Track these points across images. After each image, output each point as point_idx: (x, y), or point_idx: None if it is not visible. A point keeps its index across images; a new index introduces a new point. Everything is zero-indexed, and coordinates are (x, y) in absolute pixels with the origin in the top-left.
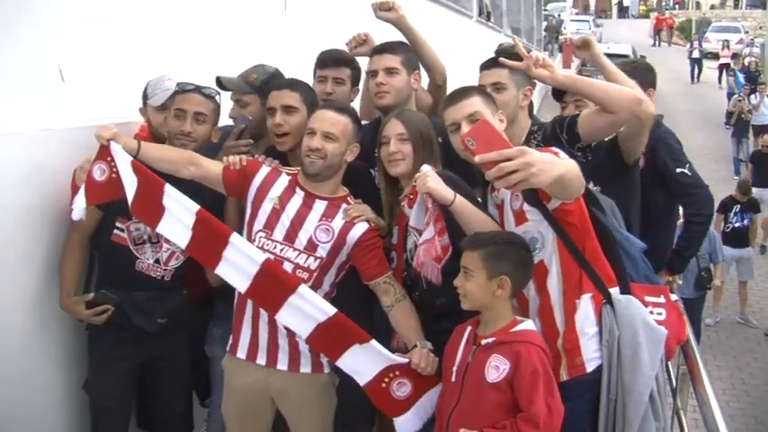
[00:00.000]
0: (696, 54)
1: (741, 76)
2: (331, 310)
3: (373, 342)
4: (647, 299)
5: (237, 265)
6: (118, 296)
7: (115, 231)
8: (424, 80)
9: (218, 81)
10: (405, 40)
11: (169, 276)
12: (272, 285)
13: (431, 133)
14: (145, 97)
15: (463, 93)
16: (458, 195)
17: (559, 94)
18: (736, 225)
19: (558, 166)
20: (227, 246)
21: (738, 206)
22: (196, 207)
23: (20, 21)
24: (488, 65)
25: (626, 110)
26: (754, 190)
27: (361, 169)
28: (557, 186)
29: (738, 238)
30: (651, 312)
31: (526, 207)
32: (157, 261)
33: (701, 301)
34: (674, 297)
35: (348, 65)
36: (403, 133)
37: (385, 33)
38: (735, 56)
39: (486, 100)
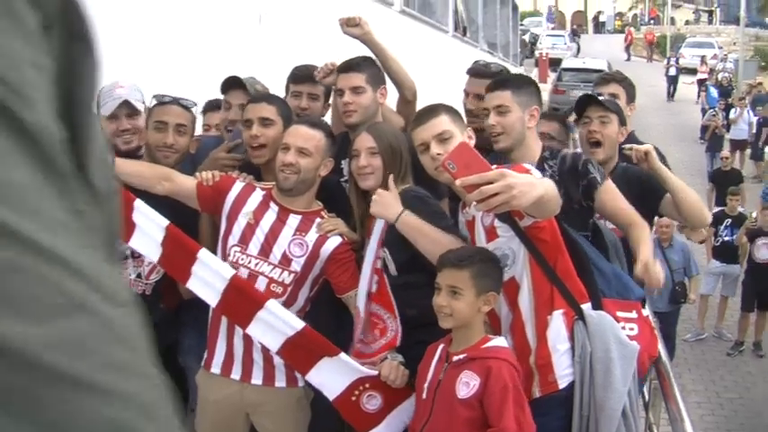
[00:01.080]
0: (673, 71)
1: (714, 91)
2: (299, 324)
3: (342, 355)
4: (620, 314)
5: (206, 280)
6: None
7: (128, 247)
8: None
9: (239, 82)
10: (368, 56)
11: (150, 290)
12: (241, 300)
13: (401, 146)
14: (97, 106)
15: (431, 111)
16: (403, 216)
17: (580, 108)
18: (726, 239)
19: (537, 187)
20: (196, 261)
21: (729, 220)
22: (165, 222)
23: None
24: (491, 87)
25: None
26: (716, 209)
27: (333, 183)
28: (535, 207)
29: (727, 252)
30: (623, 328)
31: (497, 223)
32: (139, 276)
33: (676, 314)
34: (646, 312)
35: None
36: (373, 147)
37: (356, 47)
38: (710, 71)
39: (453, 117)
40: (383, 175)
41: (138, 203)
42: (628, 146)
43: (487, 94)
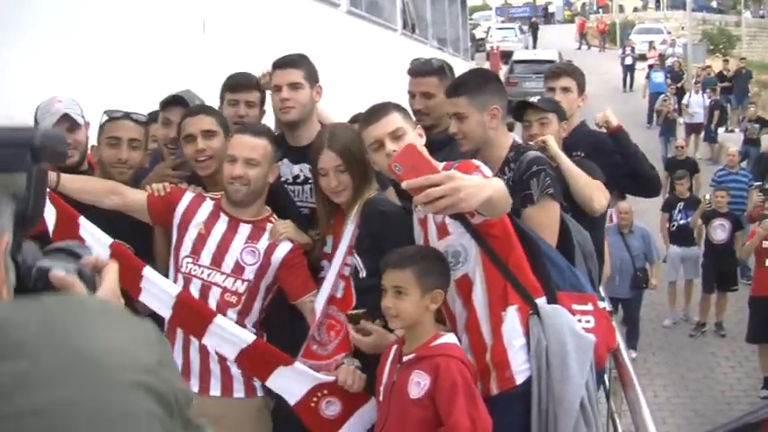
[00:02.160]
0: (629, 60)
1: (659, 76)
2: (250, 337)
3: (297, 364)
4: (575, 307)
5: (156, 295)
6: None
7: None
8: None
9: (180, 100)
10: (304, 53)
11: None
12: (192, 315)
13: (361, 149)
14: (35, 121)
15: (382, 110)
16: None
17: (519, 112)
18: (681, 222)
19: (485, 188)
20: (142, 279)
21: (682, 203)
22: (109, 240)
23: None
24: (448, 92)
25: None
26: (667, 195)
27: (278, 187)
28: (484, 208)
29: (684, 235)
30: (579, 321)
31: (448, 220)
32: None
33: (639, 300)
34: (602, 304)
35: (258, 87)
36: (340, 165)
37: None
38: (659, 56)
39: (404, 115)
40: (353, 187)
41: (83, 221)
42: (539, 138)
43: (446, 98)
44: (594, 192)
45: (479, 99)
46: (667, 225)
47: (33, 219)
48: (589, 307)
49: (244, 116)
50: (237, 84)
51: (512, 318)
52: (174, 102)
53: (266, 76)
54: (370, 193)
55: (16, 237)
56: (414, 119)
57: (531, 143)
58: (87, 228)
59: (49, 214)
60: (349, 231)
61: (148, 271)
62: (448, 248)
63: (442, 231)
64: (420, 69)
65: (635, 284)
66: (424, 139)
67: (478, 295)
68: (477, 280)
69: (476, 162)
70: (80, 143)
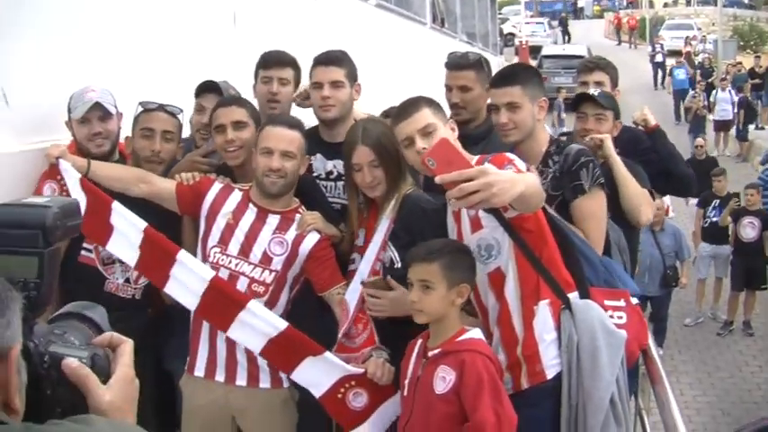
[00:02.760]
0: (659, 58)
1: (680, 73)
2: (282, 324)
3: (327, 354)
4: (607, 303)
5: (185, 283)
6: None
7: (82, 252)
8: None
9: (215, 86)
10: (346, 51)
11: (139, 295)
12: (222, 302)
13: (395, 143)
14: (69, 110)
15: (413, 105)
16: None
17: (576, 103)
18: (715, 220)
19: (518, 183)
20: (175, 264)
21: (717, 201)
22: (143, 225)
23: None
24: (498, 82)
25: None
26: (691, 201)
27: (308, 180)
28: (517, 203)
29: (716, 233)
30: (611, 316)
31: (482, 214)
32: (128, 280)
33: (667, 298)
34: (634, 301)
35: (291, 65)
36: (374, 159)
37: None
38: (687, 52)
39: (435, 110)
40: (387, 181)
41: (116, 205)
42: (589, 136)
43: (494, 89)
44: (643, 203)
45: (531, 89)
46: (701, 221)
47: (45, 303)
48: (621, 303)
49: (276, 93)
50: (271, 60)
51: (543, 312)
52: (208, 88)
53: (300, 96)
54: (407, 189)
55: (27, 321)
56: (448, 113)
57: (585, 138)
58: (120, 212)
59: (79, 201)
60: (384, 226)
61: (184, 255)
62: (481, 242)
63: (476, 225)
64: (458, 63)
65: (664, 283)
66: (456, 133)
67: (511, 289)
68: (509, 273)
69: (509, 155)
70: (111, 133)
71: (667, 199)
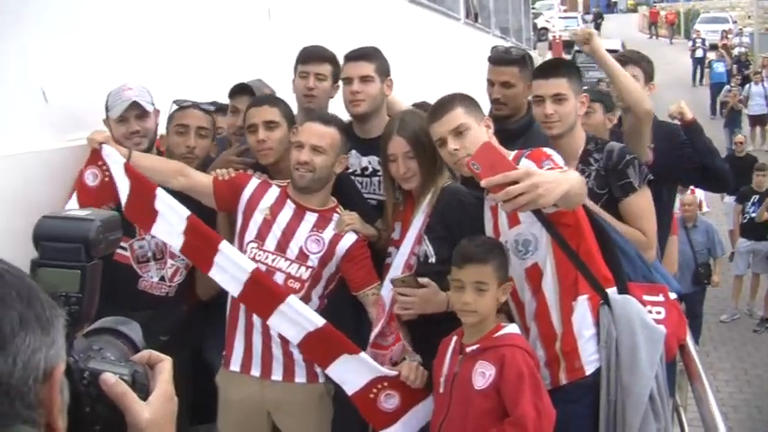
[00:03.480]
0: (699, 53)
1: (719, 65)
2: (320, 321)
3: (363, 354)
4: (646, 298)
5: (228, 270)
6: (117, 314)
7: (117, 250)
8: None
9: (247, 88)
10: (376, 46)
11: (173, 292)
12: (262, 294)
13: (430, 136)
14: (106, 108)
15: (445, 105)
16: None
17: None
18: (754, 215)
19: (563, 183)
20: (218, 253)
21: (757, 196)
22: (187, 212)
23: (4, 45)
24: (545, 74)
25: (639, 104)
26: (726, 198)
27: (345, 178)
28: (562, 202)
29: (755, 229)
30: (650, 311)
31: None
32: (162, 278)
33: (701, 295)
34: (673, 296)
35: (329, 61)
36: (409, 151)
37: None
38: (725, 45)
39: (468, 109)
40: (422, 174)
41: (160, 191)
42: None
43: (540, 80)
44: (643, 94)
45: (575, 84)
46: (740, 217)
47: (86, 318)
48: (660, 298)
49: (313, 88)
50: (309, 56)
51: (582, 307)
52: (241, 90)
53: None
54: (444, 182)
55: (69, 337)
56: (487, 107)
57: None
58: (165, 200)
59: (123, 186)
60: (419, 220)
61: (225, 245)
62: (518, 237)
63: (513, 220)
64: (501, 58)
65: (696, 280)
66: (491, 130)
67: (549, 284)
68: (547, 269)
69: (547, 150)
70: (149, 130)
71: (701, 194)
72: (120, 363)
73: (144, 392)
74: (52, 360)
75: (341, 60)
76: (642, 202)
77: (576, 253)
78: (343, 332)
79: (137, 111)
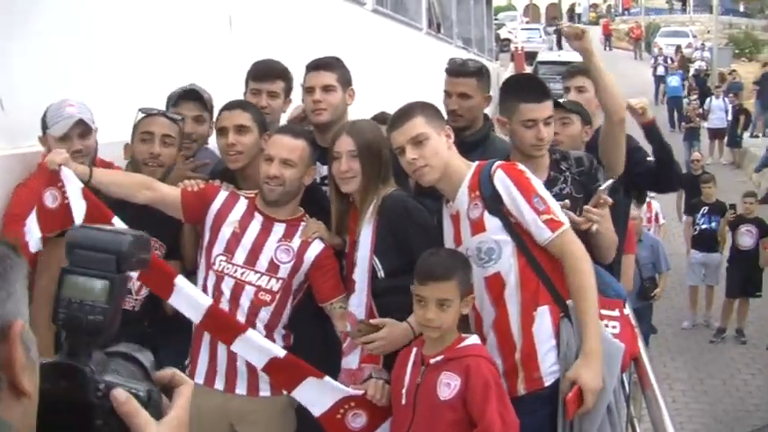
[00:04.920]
0: (661, 71)
1: (674, 79)
2: (280, 352)
3: (327, 378)
4: (603, 312)
5: (188, 301)
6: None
7: None
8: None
9: (194, 92)
10: (338, 56)
11: (138, 306)
12: (221, 326)
13: (381, 147)
14: (44, 124)
15: (406, 114)
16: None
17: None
18: (704, 227)
19: (598, 366)
20: (174, 288)
21: (706, 208)
22: None
23: None
24: (538, 98)
25: (618, 111)
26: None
27: (313, 188)
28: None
29: (706, 240)
30: (606, 326)
31: (487, 216)
32: (129, 291)
33: (648, 311)
34: (626, 311)
35: (282, 77)
36: (353, 150)
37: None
38: (681, 58)
39: (429, 118)
40: (363, 178)
41: (116, 221)
42: (566, 24)
43: (533, 105)
44: (622, 104)
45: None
46: (690, 229)
47: (109, 330)
48: (616, 313)
49: (265, 107)
50: (260, 73)
51: (542, 318)
52: (185, 96)
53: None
54: (387, 190)
55: (90, 346)
56: (446, 118)
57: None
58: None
59: (78, 211)
60: (367, 235)
61: (181, 280)
62: (481, 245)
63: (477, 227)
64: (459, 70)
65: (642, 294)
66: (452, 140)
67: (511, 293)
68: (510, 278)
69: (520, 167)
70: (91, 149)
71: (657, 207)
72: (139, 380)
73: (159, 414)
74: (8, 315)
75: (302, 70)
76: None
77: (540, 263)
78: (310, 338)
79: (80, 129)
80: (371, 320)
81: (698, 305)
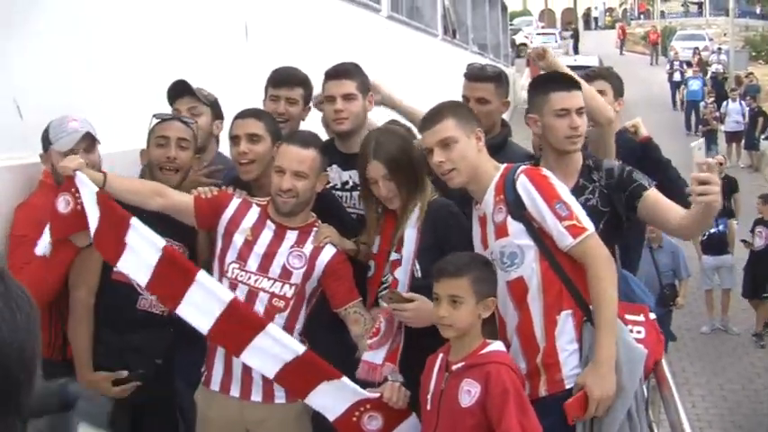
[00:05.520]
0: (677, 77)
1: (695, 82)
2: (300, 348)
3: (344, 379)
4: (627, 317)
5: (200, 305)
6: (114, 338)
7: (115, 269)
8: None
9: (185, 84)
10: (356, 63)
11: (167, 312)
12: (238, 325)
13: (408, 154)
14: (46, 141)
15: (436, 115)
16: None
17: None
18: (713, 231)
19: (611, 375)
20: (193, 284)
21: None
22: (162, 243)
23: None
24: (568, 86)
25: (600, 111)
26: None
27: (326, 194)
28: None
29: (716, 244)
30: (631, 331)
31: (510, 220)
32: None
33: (667, 318)
34: (652, 316)
35: (301, 84)
36: (386, 174)
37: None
38: (699, 62)
39: (460, 119)
40: (401, 193)
41: (135, 222)
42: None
43: (563, 93)
44: (604, 103)
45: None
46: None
47: None
48: (641, 318)
49: (283, 113)
50: (280, 79)
51: (565, 322)
52: (179, 92)
53: (315, 99)
54: (430, 196)
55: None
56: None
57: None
58: (139, 231)
59: (93, 215)
60: (411, 237)
61: (203, 276)
62: (504, 249)
63: (501, 231)
64: (477, 75)
65: (662, 302)
66: (482, 142)
67: (534, 298)
68: (533, 282)
69: (545, 172)
70: (96, 164)
71: None
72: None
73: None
74: None
75: (321, 78)
76: (659, 195)
77: (563, 267)
78: (325, 345)
79: (85, 143)
80: (404, 293)
81: (715, 309)
